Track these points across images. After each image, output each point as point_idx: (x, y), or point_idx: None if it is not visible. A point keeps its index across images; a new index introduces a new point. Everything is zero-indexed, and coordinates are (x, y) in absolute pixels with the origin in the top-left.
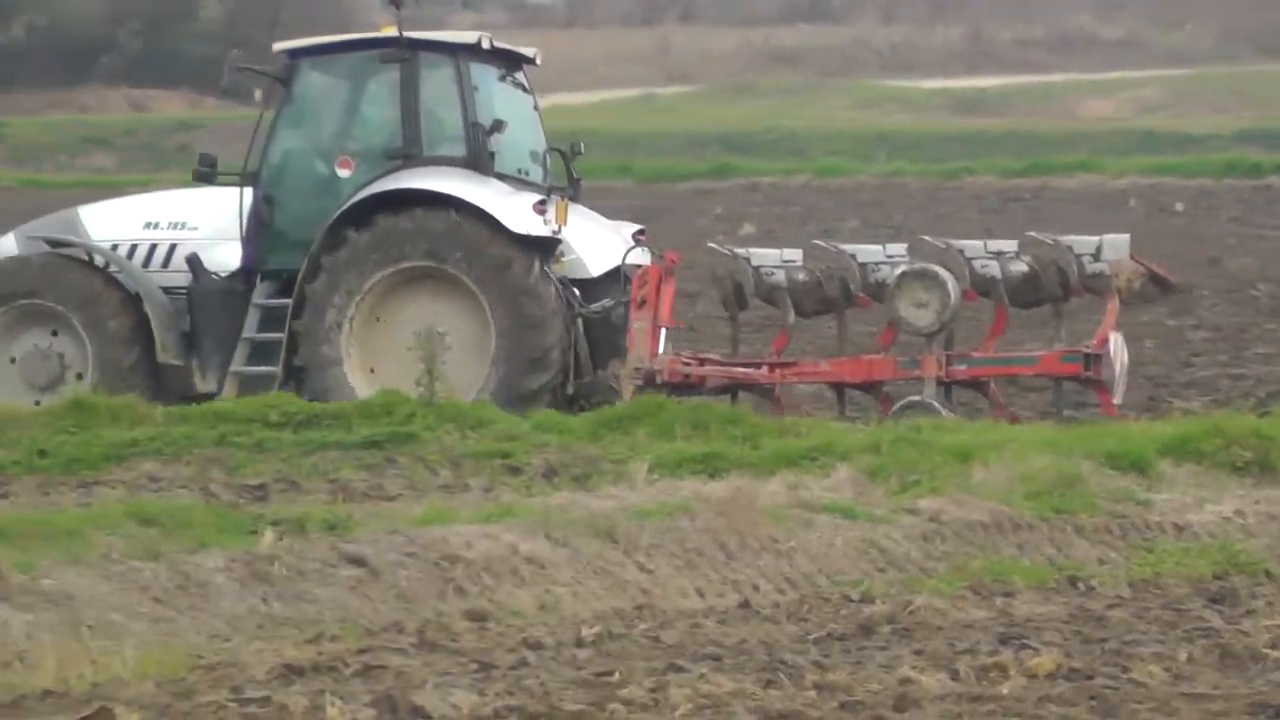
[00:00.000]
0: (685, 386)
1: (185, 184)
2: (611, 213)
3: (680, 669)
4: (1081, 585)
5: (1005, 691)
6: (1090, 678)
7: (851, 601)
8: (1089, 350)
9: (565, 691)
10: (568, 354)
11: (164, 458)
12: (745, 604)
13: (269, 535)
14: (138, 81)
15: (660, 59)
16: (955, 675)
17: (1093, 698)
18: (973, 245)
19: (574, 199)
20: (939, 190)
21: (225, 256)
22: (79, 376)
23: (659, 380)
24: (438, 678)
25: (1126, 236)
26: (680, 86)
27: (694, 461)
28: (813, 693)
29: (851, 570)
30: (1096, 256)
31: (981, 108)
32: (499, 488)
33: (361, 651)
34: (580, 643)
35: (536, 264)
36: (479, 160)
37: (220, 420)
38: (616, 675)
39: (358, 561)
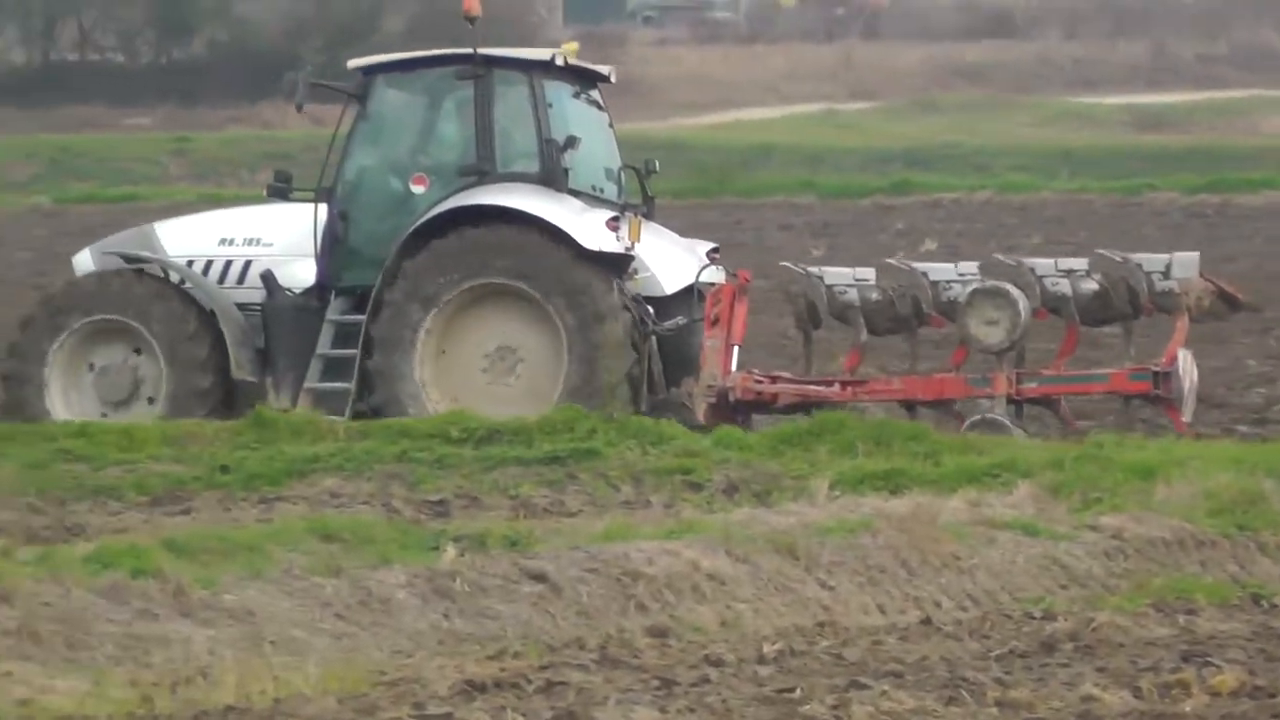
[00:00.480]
0: (757, 404)
1: (265, 200)
2: (794, 227)
3: (862, 686)
4: (1265, 603)
5: (1188, 709)
6: (1273, 695)
7: (1033, 619)
8: (1157, 368)
9: (747, 709)
10: (640, 371)
11: (345, 473)
12: (927, 621)
13: (450, 551)
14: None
15: (842, 74)
16: (1138, 693)
17: (1276, 716)
18: (1043, 263)
19: (648, 216)
20: (1122, 206)
21: (300, 273)
22: (150, 401)
23: (731, 398)
24: (619, 694)
25: (1196, 255)
26: (862, 102)
27: (875, 478)
28: (994, 710)
29: (1033, 587)
30: (1166, 274)
31: (1164, 123)
32: (680, 504)
33: (543, 668)
34: (762, 659)
35: (608, 282)
36: (553, 177)
37: (401, 436)
38: (798, 692)
39: (539, 577)
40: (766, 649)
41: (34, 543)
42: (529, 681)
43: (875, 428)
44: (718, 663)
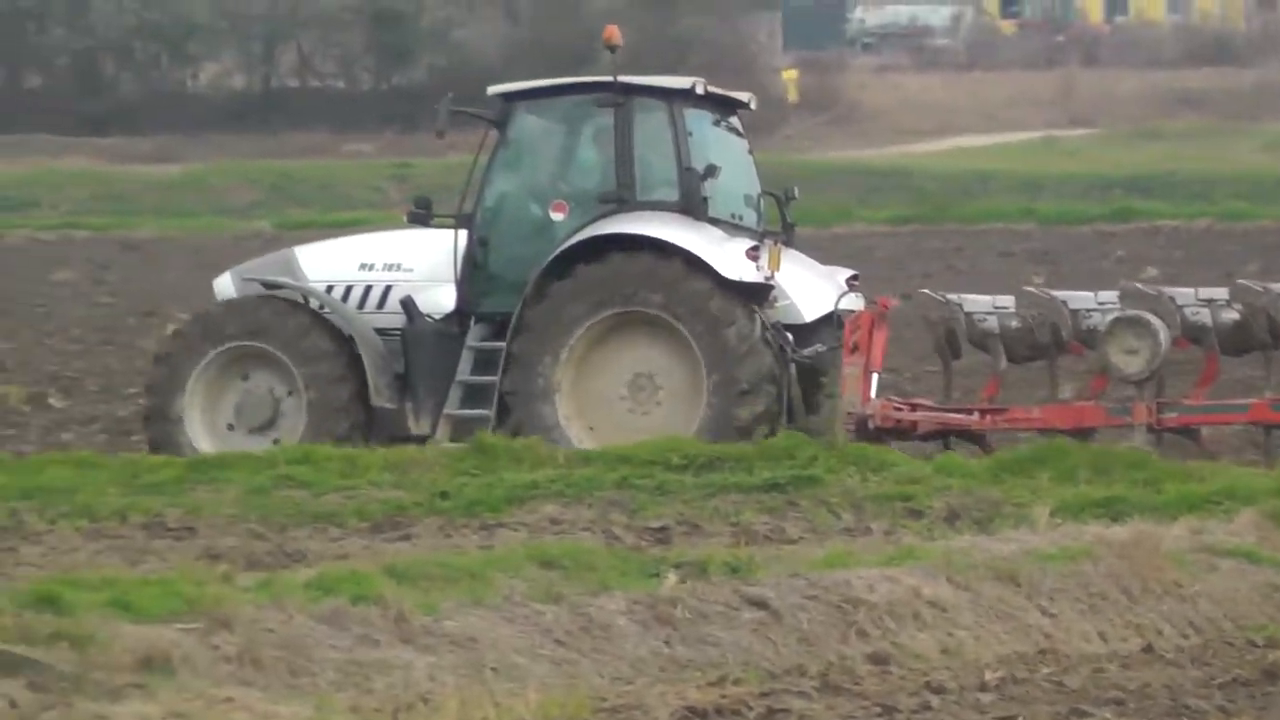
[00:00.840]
0: (896, 432)
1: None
2: (1014, 255)
3: (1083, 713)
4: None
5: None
6: None
7: (1256, 647)
8: None
9: None
10: (779, 398)
11: (565, 500)
12: (1148, 648)
13: (671, 578)
14: None
15: (1063, 101)
16: None
17: None
18: (1184, 293)
19: (788, 244)
20: None
21: (439, 299)
22: (276, 442)
23: (871, 425)
24: None
25: None
26: (1083, 129)
27: (1096, 505)
28: None
29: (1256, 615)
30: None
31: None
32: (900, 531)
33: (764, 695)
34: (983, 686)
35: (748, 310)
36: (692, 205)
37: (622, 462)
38: (1019, 719)
39: (760, 604)
40: (988, 676)
41: (255, 569)
42: (749, 709)
43: (1096, 455)
44: (939, 690)
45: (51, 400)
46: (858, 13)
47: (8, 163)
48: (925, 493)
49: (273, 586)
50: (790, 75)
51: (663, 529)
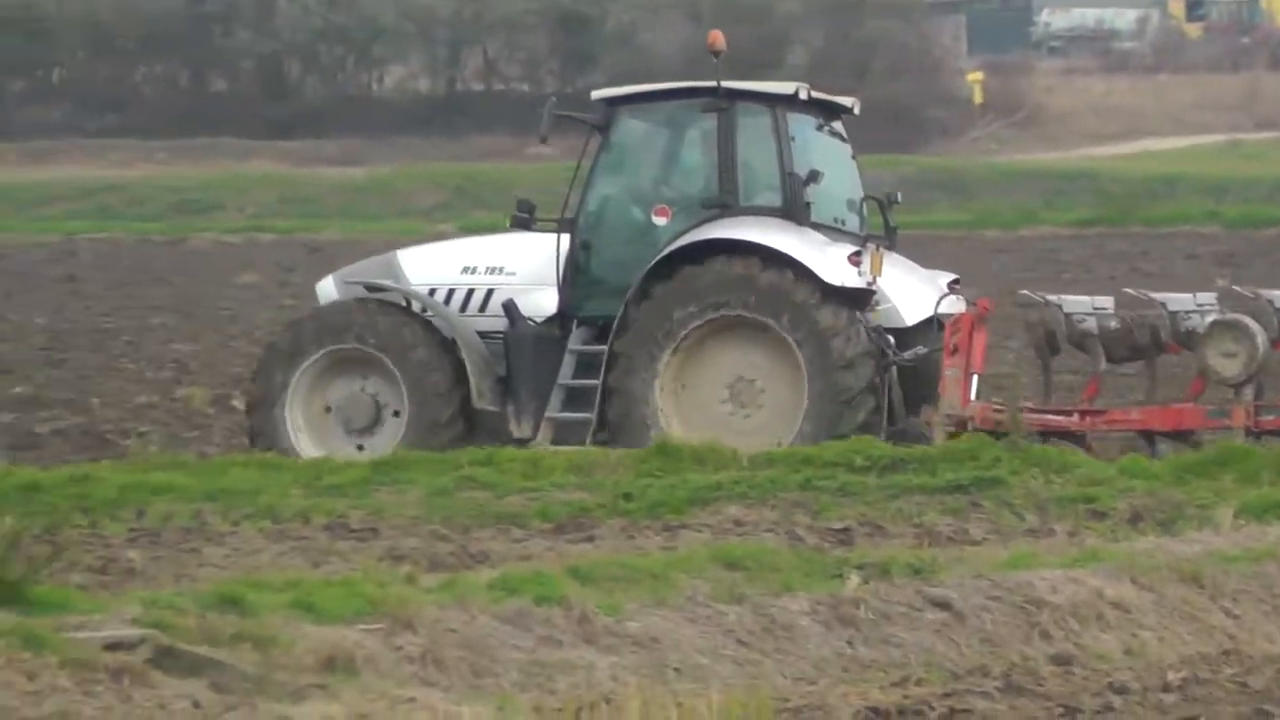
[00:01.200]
0: (996, 433)
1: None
2: (1200, 257)
3: (1267, 714)
4: None
5: None
6: None
7: None
8: None
9: None
10: (881, 401)
11: (749, 501)
12: None
13: (854, 579)
14: None
15: (1248, 105)
16: None
17: None
18: None
19: (890, 248)
20: None
21: (541, 302)
22: (360, 448)
23: (970, 427)
24: None
25: None
26: (1269, 133)
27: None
28: None
29: None
30: None
31: None
32: (1083, 532)
33: (946, 695)
34: (1166, 687)
35: (849, 314)
36: (794, 210)
37: (805, 464)
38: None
39: (943, 605)
40: (1171, 677)
41: (439, 570)
42: (932, 709)
43: None
44: (1122, 690)
45: (236, 403)
46: (1044, 16)
47: (194, 166)
48: (1109, 494)
49: (456, 587)
50: (975, 78)
51: (846, 530)
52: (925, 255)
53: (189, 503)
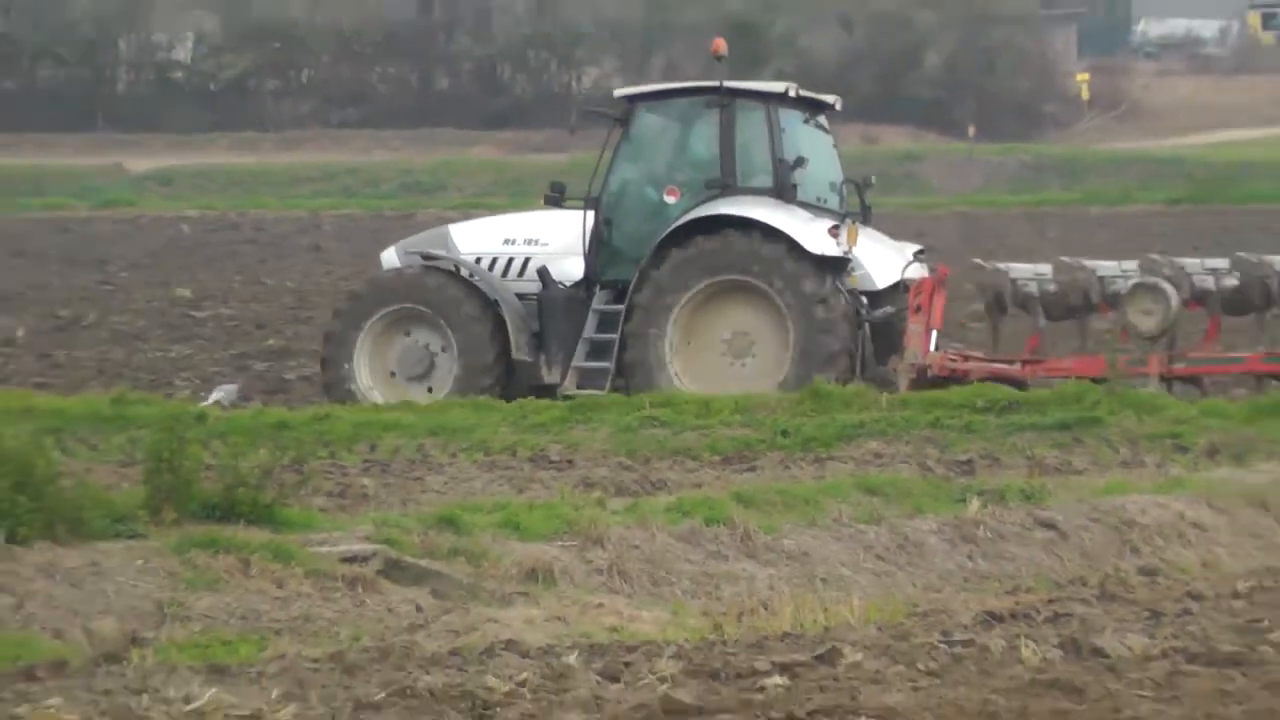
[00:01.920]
0: (952, 379)
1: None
2: (1273, 230)
3: None
4: None
5: None
6: None
7: None
8: None
9: (1222, 635)
10: (856, 353)
11: (887, 438)
12: None
13: (975, 503)
14: (871, 118)
15: None
16: None
17: None
18: (1192, 263)
19: (865, 223)
20: None
21: (570, 268)
22: (430, 390)
23: (929, 374)
24: (1115, 624)
25: None
26: None
27: None
28: None
29: None
30: None
31: None
32: (1169, 464)
33: (1051, 601)
34: (1236, 594)
35: (828, 279)
36: (784, 191)
37: (935, 406)
38: (1265, 622)
39: (1049, 525)
40: (1240, 586)
41: (623, 495)
42: (1039, 613)
43: None
44: (1198, 597)
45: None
46: (1141, 25)
47: (421, 152)
48: (1191, 431)
49: (638, 510)
50: (1083, 78)
51: (968, 461)
52: (1038, 229)
53: (413, 438)
